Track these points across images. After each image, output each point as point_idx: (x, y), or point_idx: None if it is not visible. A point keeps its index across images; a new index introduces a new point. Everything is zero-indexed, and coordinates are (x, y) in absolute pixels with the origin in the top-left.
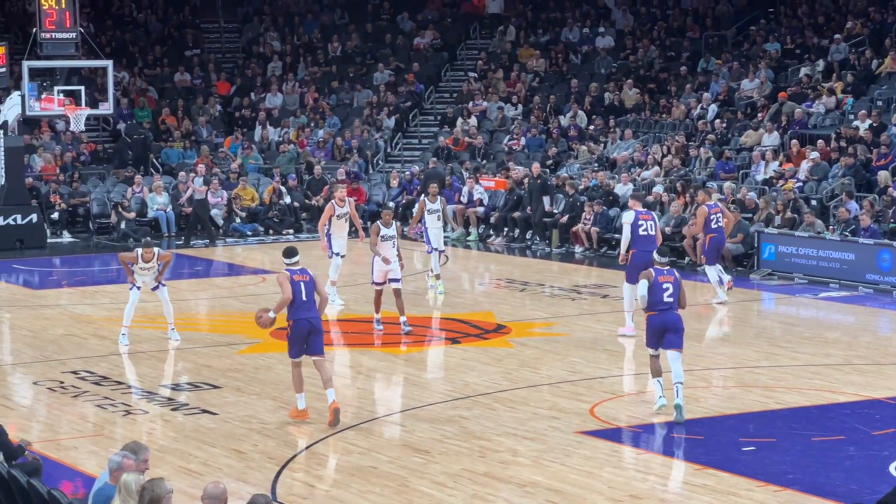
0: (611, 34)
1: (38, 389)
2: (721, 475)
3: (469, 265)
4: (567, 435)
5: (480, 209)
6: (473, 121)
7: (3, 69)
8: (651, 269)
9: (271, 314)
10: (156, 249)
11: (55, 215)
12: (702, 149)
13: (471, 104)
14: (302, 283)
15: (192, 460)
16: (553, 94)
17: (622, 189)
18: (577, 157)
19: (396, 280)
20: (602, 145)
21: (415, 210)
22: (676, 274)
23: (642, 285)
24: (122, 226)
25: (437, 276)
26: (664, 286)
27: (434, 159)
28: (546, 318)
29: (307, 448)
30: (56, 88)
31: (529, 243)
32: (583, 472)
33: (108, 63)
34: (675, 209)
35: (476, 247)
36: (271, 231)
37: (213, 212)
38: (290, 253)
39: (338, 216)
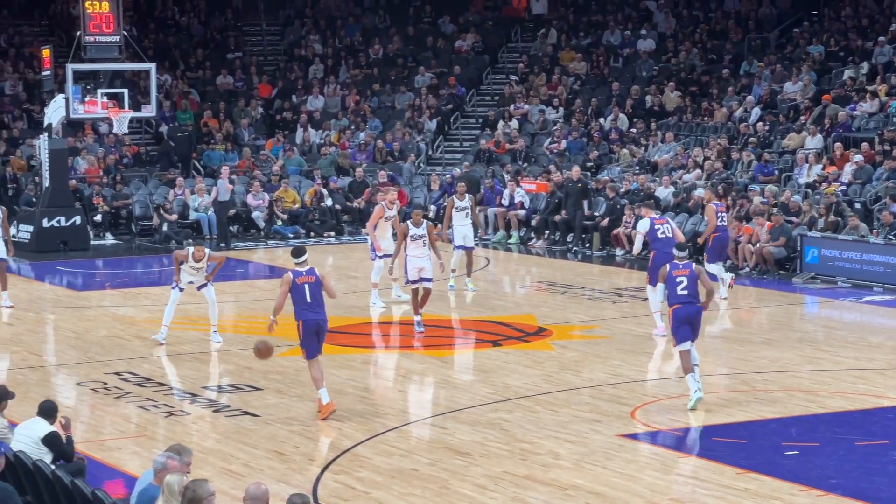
0: (652, 37)
1: (82, 390)
2: (763, 479)
3: (510, 268)
4: (608, 438)
5: (521, 212)
6: (515, 124)
7: (48, 72)
8: (667, 265)
9: (271, 317)
10: (207, 250)
11: (98, 217)
12: (744, 152)
13: (512, 107)
14: (306, 285)
15: (234, 462)
16: (594, 97)
17: (663, 192)
18: (618, 160)
19: (429, 280)
20: (643, 148)
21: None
22: (694, 268)
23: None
24: (165, 228)
25: (453, 270)
26: (678, 280)
27: (466, 164)
28: (587, 320)
29: (348, 450)
30: (99, 91)
31: (570, 246)
32: (624, 475)
33: (151, 66)
34: None
35: (517, 249)
36: (312, 233)
37: (255, 214)
38: (297, 253)
39: (385, 218)
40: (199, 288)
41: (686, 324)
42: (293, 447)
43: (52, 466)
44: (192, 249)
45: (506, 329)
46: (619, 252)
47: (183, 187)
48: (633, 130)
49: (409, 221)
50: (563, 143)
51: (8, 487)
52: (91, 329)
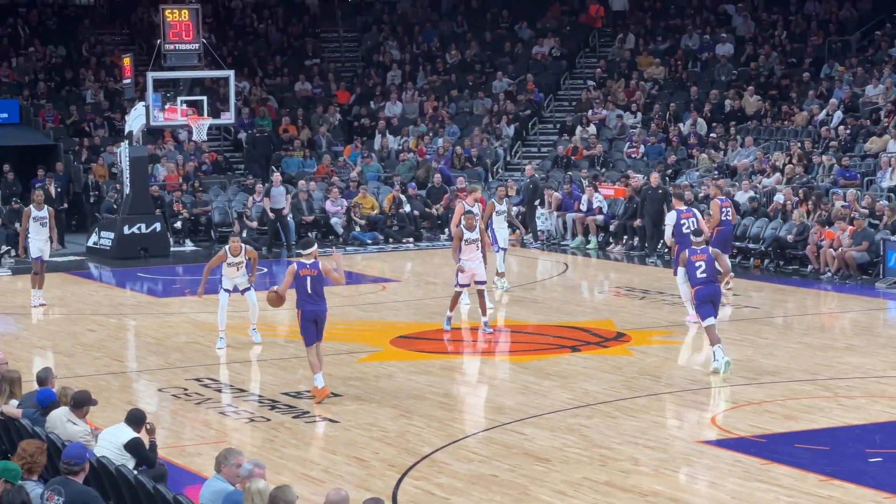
0: (731, 41)
1: (163, 396)
2: (847, 486)
3: (588, 273)
4: (689, 444)
5: (600, 217)
6: (592, 129)
7: (129, 81)
8: (686, 251)
9: (275, 288)
10: (243, 245)
11: (178, 224)
12: (824, 156)
13: (590, 112)
14: (308, 277)
15: (314, 468)
16: (672, 102)
17: (743, 197)
18: (696, 165)
19: (482, 282)
20: (722, 153)
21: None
22: (710, 251)
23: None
24: (244, 234)
25: (502, 274)
26: (696, 264)
27: (529, 166)
28: (666, 326)
29: (428, 456)
30: (179, 99)
31: (648, 252)
32: (705, 481)
33: (230, 73)
34: (798, 217)
35: (595, 255)
36: (391, 240)
37: (333, 220)
38: (304, 245)
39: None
40: (243, 292)
41: (708, 302)
42: (372, 453)
43: (135, 472)
44: (228, 245)
45: (584, 334)
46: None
47: (262, 194)
48: (713, 135)
49: (462, 226)
50: (642, 149)
51: (92, 492)
52: (171, 335)
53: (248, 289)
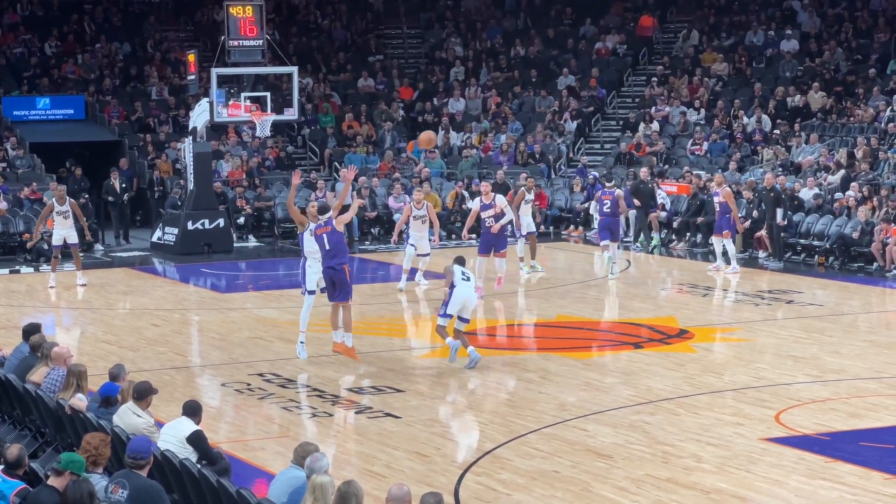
0: (796, 37)
1: (226, 391)
2: None
3: (651, 270)
4: (752, 442)
5: (663, 214)
6: (655, 126)
7: (193, 76)
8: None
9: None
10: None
11: (241, 220)
12: (890, 152)
13: (653, 109)
14: (325, 235)
15: (376, 463)
16: (736, 98)
17: (808, 194)
18: (761, 161)
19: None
20: (787, 149)
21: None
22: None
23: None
24: None
25: (522, 259)
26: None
27: (634, 170)
28: (729, 323)
29: (490, 451)
30: (243, 95)
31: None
32: (768, 479)
33: (293, 69)
34: (863, 214)
35: (658, 252)
36: (454, 236)
37: (396, 216)
38: (322, 210)
39: (414, 217)
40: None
41: (606, 229)
42: (434, 448)
43: (198, 465)
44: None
45: (647, 331)
46: (761, 254)
47: (324, 190)
48: (776, 132)
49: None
50: (705, 146)
51: (156, 485)
52: (234, 330)
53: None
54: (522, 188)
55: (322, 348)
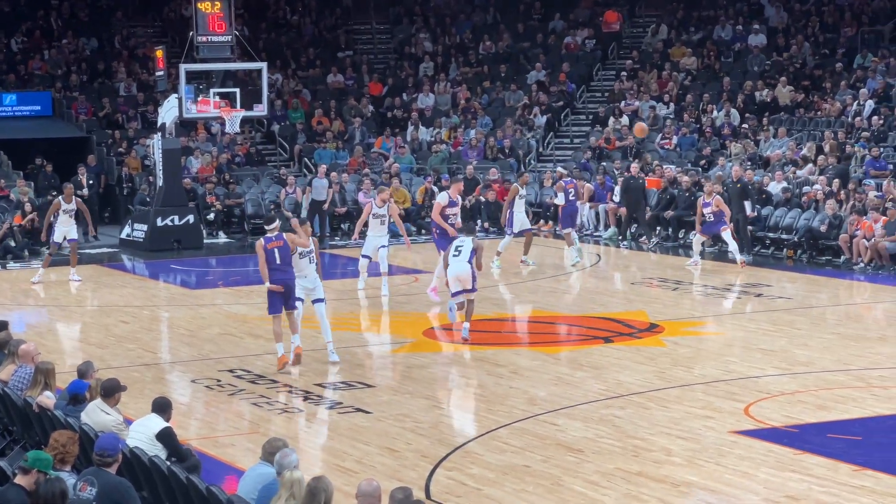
0: (763, 31)
1: (196, 387)
2: (880, 476)
3: (620, 264)
4: (721, 435)
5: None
6: (625, 120)
7: (162, 73)
8: None
9: (265, 284)
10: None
11: (211, 216)
12: (856, 146)
13: (622, 103)
14: (276, 249)
15: (347, 458)
16: (705, 93)
17: (776, 187)
18: (730, 155)
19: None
20: (755, 143)
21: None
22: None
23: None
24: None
25: (499, 254)
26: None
27: (604, 164)
28: (699, 316)
29: (461, 447)
30: (212, 91)
31: (683, 241)
32: (738, 472)
33: (263, 65)
34: (831, 207)
35: (628, 246)
36: (423, 231)
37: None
38: (268, 221)
39: (373, 216)
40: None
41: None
42: (405, 444)
43: (168, 462)
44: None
45: (617, 325)
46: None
47: (294, 186)
48: (745, 126)
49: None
50: (674, 140)
51: (125, 483)
52: (204, 327)
53: (320, 300)
54: (515, 184)
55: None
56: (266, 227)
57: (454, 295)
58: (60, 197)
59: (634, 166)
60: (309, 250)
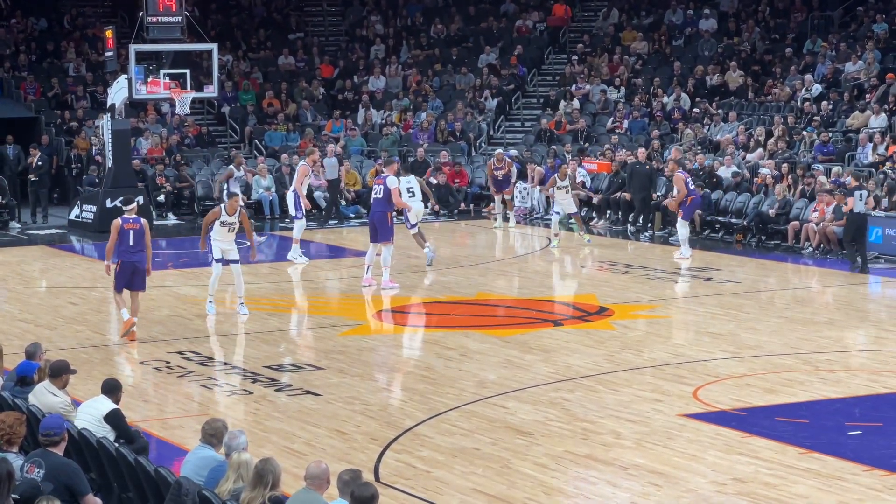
0: (714, 16)
1: (145, 369)
2: (826, 459)
3: (571, 248)
4: (670, 418)
5: (583, 192)
6: (576, 104)
7: (111, 53)
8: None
9: (105, 262)
10: (241, 204)
11: (161, 198)
12: (805, 132)
13: (573, 87)
14: (131, 231)
15: (296, 441)
16: (656, 77)
17: (726, 172)
18: (680, 140)
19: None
20: (705, 128)
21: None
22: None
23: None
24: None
25: (557, 234)
26: None
27: (642, 150)
28: (649, 300)
29: (410, 429)
30: (162, 72)
31: (636, 226)
32: (686, 454)
33: (213, 46)
34: (780, 191)
35: (578, 229)
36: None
37: (317, 194)
38: (126, 201)
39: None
40: (227, 262)
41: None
42: (354, 426)
43: (116, 444)
44: (224, 204)
45: (567, 309)
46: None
47: (243, 166)
48: (696, 110)
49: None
50: (625, 123)
51: (73, 464)
52: (153, 308)
53: (235, 261)
54: (555, 175)
55: (241, 327)
56: (124, 208)
57: (413, 226)
58: None
59: (641, 152)
60: (231, 222)
